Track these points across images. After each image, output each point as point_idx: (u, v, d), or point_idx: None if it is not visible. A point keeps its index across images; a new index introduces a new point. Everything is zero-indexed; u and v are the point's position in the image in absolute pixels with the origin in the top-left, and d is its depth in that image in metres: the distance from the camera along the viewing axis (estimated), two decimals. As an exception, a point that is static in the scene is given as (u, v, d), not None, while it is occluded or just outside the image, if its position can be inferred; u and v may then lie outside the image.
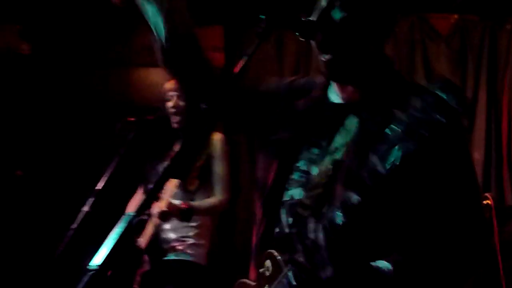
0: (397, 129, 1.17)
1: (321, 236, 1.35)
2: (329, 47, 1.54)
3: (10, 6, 4.29)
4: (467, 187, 1.52)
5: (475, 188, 1.57)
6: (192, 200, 3.20)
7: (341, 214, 1.32)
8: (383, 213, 1.39)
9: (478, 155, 4.73)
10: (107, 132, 3.43)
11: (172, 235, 3.22)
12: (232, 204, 3.46)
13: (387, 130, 1.20)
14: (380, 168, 1.20)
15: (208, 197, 3.25)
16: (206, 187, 3.26)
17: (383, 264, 1.42)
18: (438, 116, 1.10)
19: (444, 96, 1.10)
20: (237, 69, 1.47)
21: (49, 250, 3.14)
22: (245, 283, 1.69)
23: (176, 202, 3.07)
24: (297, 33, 1.59)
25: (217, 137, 3.29)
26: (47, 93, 4.51)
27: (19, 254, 4.14)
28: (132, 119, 3.42)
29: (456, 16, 4.89)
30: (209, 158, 3.24)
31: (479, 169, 4.60)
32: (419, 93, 1.18)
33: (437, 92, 1.11)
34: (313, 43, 1.60)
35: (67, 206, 3.35)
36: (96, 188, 3.24)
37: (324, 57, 1.56)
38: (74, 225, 3.15)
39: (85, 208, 3.19)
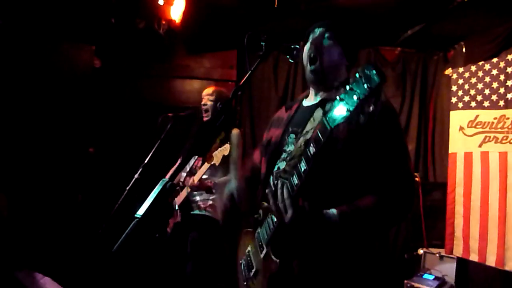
0: (337, 99, 1.18)
1: (285, 190, 1.34)
2: (316, 60, 1.61)
3: (87, 30, 4.27)
4: (395, 142, 1.46)
5: (402, 144, 1.49)
6: (215, 175, 3.16)
7: (303, 163, 1.29)
8: (332, 162, 1.38)
9: (411, 147, 4.72)
10: (152, 124, 3.42)
11: (198, 198, 3.21)
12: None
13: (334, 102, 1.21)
14: (327, 126, 1.21)
15: (226, 174, 3.20)
16: (226, 167, 3.21)
17: (332, 211, 1.38)
18: (364, 87, 1.11)
19: (367, 72, 1.11)
20: (243, 80, 1.48)
21: (111, 205, 3.14)
22: (248, 231, 1.69)
23: (204, 177, 3.05)
24: (287, 56, 1.61)
25: (235, 131, 3.25)
26: (113, 96, 4.49)
27: (90, 209, 4.16)
28: (170, 114, 3.40)
29: (399, 48, 4.87)
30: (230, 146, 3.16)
31: (411, 156, 4.59)
32: (354, 74, 1.18)
33: (363, 70, 1.13)
34: (304, 58, 1.62)
35: (124, 174, 3.34)
36: (144, 162, 3.25)
37: (312, 67, 1.61)
38: (128, 187, 3.17)
39: (136, 176, 3.20)
